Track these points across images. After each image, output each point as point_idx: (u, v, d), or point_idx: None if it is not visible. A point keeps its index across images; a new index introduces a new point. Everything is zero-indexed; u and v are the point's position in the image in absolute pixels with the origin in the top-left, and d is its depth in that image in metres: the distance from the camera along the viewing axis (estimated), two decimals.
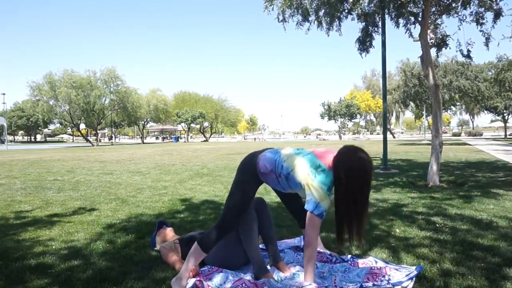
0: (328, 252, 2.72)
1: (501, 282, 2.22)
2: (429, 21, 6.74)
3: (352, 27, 8.27)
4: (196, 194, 5.73)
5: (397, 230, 3.42)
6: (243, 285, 2.22)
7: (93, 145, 37.22)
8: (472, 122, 71.33)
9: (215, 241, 2.34)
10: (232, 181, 2.44)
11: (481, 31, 6.48)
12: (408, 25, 7.11)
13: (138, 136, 63.33)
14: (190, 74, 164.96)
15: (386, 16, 7.35)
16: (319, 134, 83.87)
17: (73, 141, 70.88)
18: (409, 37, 7.36)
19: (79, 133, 44.72)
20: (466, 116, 74.81)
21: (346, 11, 6.90)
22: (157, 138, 73.17)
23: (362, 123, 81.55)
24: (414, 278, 2.23)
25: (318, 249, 2.73)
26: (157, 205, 4.84)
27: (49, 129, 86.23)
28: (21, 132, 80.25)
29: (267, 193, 5.31)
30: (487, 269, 2.42)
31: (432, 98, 6.61)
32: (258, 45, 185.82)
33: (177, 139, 56.24)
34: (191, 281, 2.24)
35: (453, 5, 6.71)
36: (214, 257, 2.50)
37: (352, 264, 2.49)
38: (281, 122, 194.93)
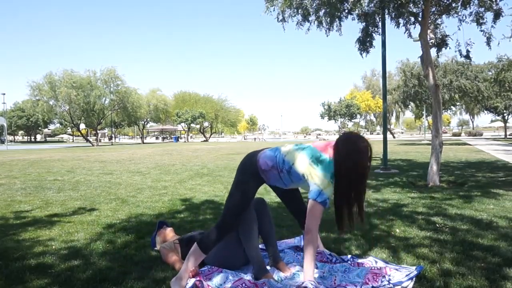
0: (328, 252, 2.72)
1: (501, 282, 2.22)
2: (429, 21, 6.74)
3: (352, 27, 8.28)
4: (196, 194, 5.73)
5: (397, 230, 3.42)
6: (243, 285, 2.22)
7: (93, 145, 37.22)
8: (472, 122, 71.34)
9: (215, 242, 2.34)
10: (232, 182, 2.43)
11: (481, 31, 6.48)
12: (408, 25, 7.12)
13: (138, 136, 63.33)
14: (190, 74, 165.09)
15: (386, 16, 7.35)
16: (319, 134, 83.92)
17: (73, 141, 70.88)
18: (408, 37, 7.38)
19: (79, 133, 44.72)
20: (466, 116, 74.87)
21: (346, 11, 6.91)
22: (157, 138, 73.16)
23: (362, 123, 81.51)
24: (414, 278, 2.23)
25: (318, 249, 2.73)
26: (157, 205, 4.84)
27: (49, 129, 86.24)
28: (21, 132, 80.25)
29: (267, 193, 5.30)
30: (487, 269, 2.42)
31: (432, 98, 6.61)
32: (258, 45, 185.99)
33: (177, 139, 56.23)
34: (191, 281, 2.24)
35: (453, 5, 6.71)
36: (214, 257, 2.50)
37: (352, 264, 2.49)
38: (281, 122, 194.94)
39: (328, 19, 6.73)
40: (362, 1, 6.32)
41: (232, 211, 2.34)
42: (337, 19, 6.85)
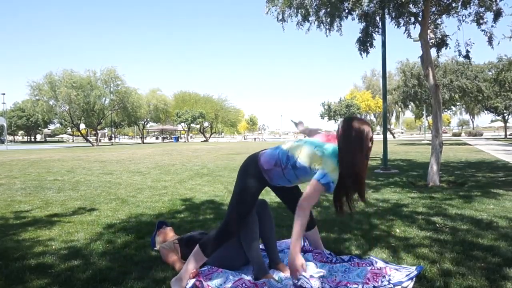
0: (328, 252, 2.71)
1: (501, 282, 2.22)
2: (429, 21, 6.74)
3: (352, 27, 8.29)
4: (196, 194, 5.73)
5: (397, 230, 3.42)
6: (243, 285, 2.22)
7: (93, 145, 37.22)
8: (472, 122, 71.33)
9: (217, 246, 2.31)
10: (234, 185, 2.40)
11: (482, 30, 6.48)
12: (408, 25, 7.12)
13: (138, 136, 63.34)
14: (190, 74, 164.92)
15: (386, 16, 7.35)
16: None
17: (73, 141, 70.89)
18: (408, 37, 7.37)
19: (79, 133, 44.72)
20: (466, 116, 74.86)
21: (346, 11, 6.91)
22: (157, 138, 73.17)
23: None
24: (414, 278, 2.23)
25: (317, 249, 2.73)
26: (157, 205, 4.84)
27: (49, 129, 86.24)
28: (21, 132, 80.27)
29: (267, 193, 5.30)
30: (487, 269, 2.42)
31: (432, 98, 6.61)
32: (258, 45, 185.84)
33: (177, 139, 56.24)
34: (191, 281, 2.24)
35: (453, 5, 6.71)
36: (214, 257, 2.49)
37: (352, 264, 2.48)
38: (281, 122, 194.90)
39: (328, 19, 6.73)
40: (362, 1, 6.32)
41: (235, 216, 2.31)
42: (337, 19, 6.85)
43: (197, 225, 3.76)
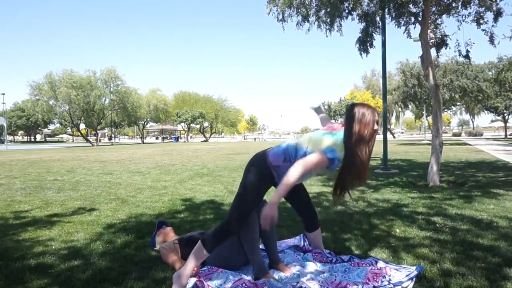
0: (328, 251, 2.71)
1: (502, 282, 2.22)
2: (429, 21, 6.74)
3: (352, 27, 8.29)
4: (196, 194, 5.73)
5: (397, 230, 3.41)
6: (243, 285, 2.22)
7: (93, 145, 37.21)
8: (472, 122, 71.27)
9: (219, 242, 2.31)
10: (240, 183, 2.39)
11: (483, 30, 6.49)
12: (408, 25, 7.11)
13: (138, 136, 63.32)
14: (190, 74, 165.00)
15: (386, 16, 7.35)
16: None
17: (73, 141, 70.87)
18: (408, 37, 7.37)
19: (79, 133, 44.71)
20: (466, 116, 74.78)
21: (347, 11, 6.91)
22: (157, 138, 73.15)
23: None
24: (414, 278, 2.23)
25: (317, 249, 2.73)
26: (157, 205, 4.84)
27: (49, 129, 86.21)
28: (21, 132, 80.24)
29: (267, 193, 5.30)
30: (487, 269, 2.42)
31: (432, 98, 6.61)
32: (258, 45, 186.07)
33: (177, 139, 56.23)
34: (192, 280, 2.23)
35: (453, 5, 6.71)
36: (214, 257, 2.49)
37: (352, 264, 2.48)
38: (281, 122, 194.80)
39: (329, 19, 6.73)
40: (362, 1, 6.32)
41: (239, 213, 2.30)
42: (337, 19, 6.84)
43: (197, 225, 3.76)
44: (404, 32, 7.21)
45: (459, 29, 6.93)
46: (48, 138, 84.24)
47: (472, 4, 6.42)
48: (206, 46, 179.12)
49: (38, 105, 35.51)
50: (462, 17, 6.71)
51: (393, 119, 69.81)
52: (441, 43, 7.01)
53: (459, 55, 7.00)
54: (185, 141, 53.51)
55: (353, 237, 3.21)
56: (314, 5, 6.59)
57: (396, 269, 2.34)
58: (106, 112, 39.66)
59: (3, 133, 40.32)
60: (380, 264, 2.47)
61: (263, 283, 2.22)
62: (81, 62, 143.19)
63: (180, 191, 6.00)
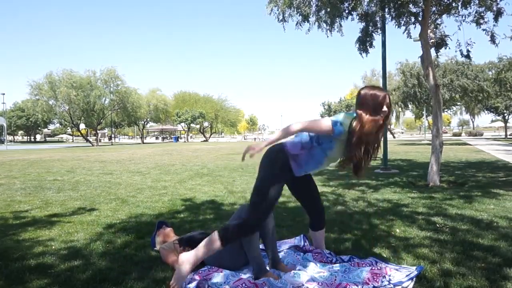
0: (328, 251, 2.71)
1: (502, 282, 2.22)
2: (429, 21, 6.74)
3: (352, 27, 8.28)
4: (196, 194, 5.73)
5: (397, 230, 3.41)
6: (243, 285, 2.22)
7: (93, 145, 37.21)
8: (473, 122, 71.22)
9: (237, 238, 2.32)
10: (256, 179, 2.37)
11: (484, 30, 6.48)
12: (408, 25, 7.11)
13: (138, 136, 63.30)
14: (190, 74, 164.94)
15: (386, 16, 7.34)
16: None
17: (73, 141, 70.85)
18: (408, 37, 7.37)
19: (79, 133, 44.71)
20: (467, 116, 74.72)
21: (347, 11, 6.90)
22: (157, 138, 73.14)
23: None
24: (414, 278, 2.23)
25: (317, 249, 2.73)
26: (157, 205, 4.84)
27: (48, 129, 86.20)
28: (20, 132, 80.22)
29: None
30: (487, 269, 2.42)
31: (432, 98, 6.61)
32: (258, 45, 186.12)
33: (177, 139, 56.23)
34: (192, 284, 2.23)
35: (454, 4, 6.71)
36: (214, 257, 2.49)
37: (352, 264, 2.48)
38: (281, 122, 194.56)
39: (329, 19, 6.73)
40: (362, 1, 6.31)
41: (260, 209, 2.28)
42: (337, 19, 6.84)
43: (197, 225, 3.75)
44: (404, 32, 7.21)
45: (459, 29, 6.94)
46: (48, 138, 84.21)
47: (472, 4, 6.42)
48: (206, 46, 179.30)
49: (38, 105, 35.51)
50: (462, 17, 6.71)
51: (393, 119, 69.79)
52: (441, 43, 7.01)
53: (460, 55, 7.00)
54: (185, 141, 53.51)
55: (353, 237, 3.21)
56: (314, 5, 6.59)
57: (396, 269, 2.34)
58: (106, 112, 39.68)
59: (3, 133, 40.32)
60: (380, 264, 2.47)
61: (263, 283, 2.21)
62: (81, 62, 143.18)
63: (180, 191, 6.00)
